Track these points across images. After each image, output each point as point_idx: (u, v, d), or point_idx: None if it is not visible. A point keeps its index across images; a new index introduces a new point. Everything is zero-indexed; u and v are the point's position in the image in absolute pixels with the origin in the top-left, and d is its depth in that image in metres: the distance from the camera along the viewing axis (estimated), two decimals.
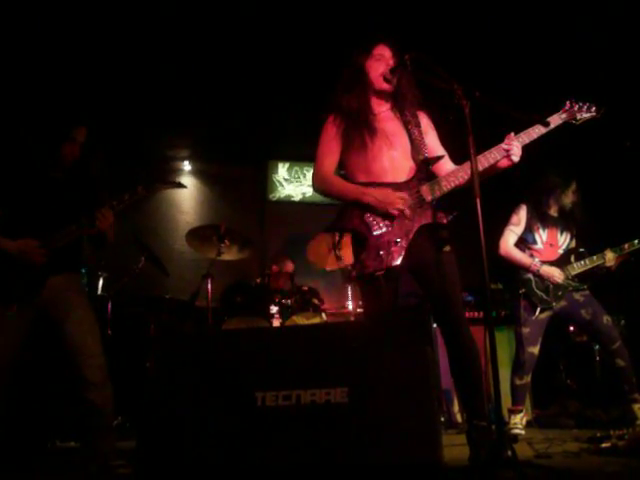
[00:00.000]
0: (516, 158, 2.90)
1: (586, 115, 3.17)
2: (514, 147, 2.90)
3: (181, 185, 3.66)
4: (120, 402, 3.31)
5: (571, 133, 3.21)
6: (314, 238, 5.74)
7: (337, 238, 2.93)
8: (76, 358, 3.21)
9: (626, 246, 4.34)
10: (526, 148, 2.96)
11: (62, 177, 3.40)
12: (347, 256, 4.61)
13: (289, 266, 6.23)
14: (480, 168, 2.85)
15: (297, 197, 8.28)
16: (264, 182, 8.21)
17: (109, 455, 3.16)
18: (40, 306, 3.22)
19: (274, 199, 8.22)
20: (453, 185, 2.90)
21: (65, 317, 3.24)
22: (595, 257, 4.33)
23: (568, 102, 3.17)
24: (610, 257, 4.30)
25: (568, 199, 4.40)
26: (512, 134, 2.94)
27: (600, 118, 3.18)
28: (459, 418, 5.11)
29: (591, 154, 6.02)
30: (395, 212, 2.83)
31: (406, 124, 3.09)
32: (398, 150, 3.02)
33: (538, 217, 4.43)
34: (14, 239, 3.17)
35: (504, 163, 2.93)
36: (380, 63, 3.06)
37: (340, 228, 2.97)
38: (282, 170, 8.26)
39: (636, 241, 4.32)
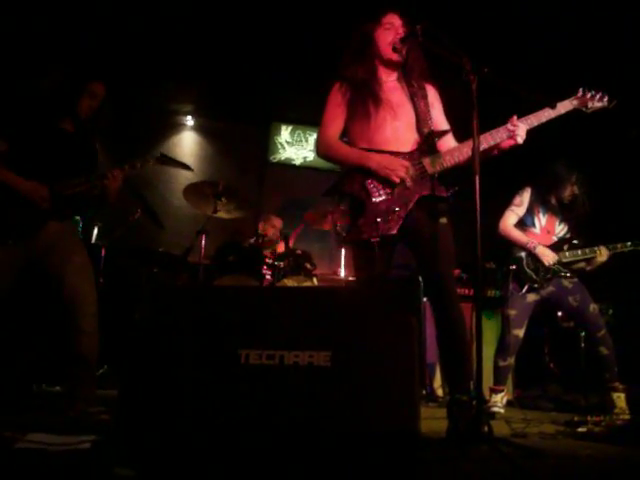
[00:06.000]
0: (520, 139, 2.90)
1: (597, 104, 3.16)
2: (519, 128, 2.89)
3: (188, 167, 3.81)
4: (107, 351, 3.31)
5: (579, 123, 3.19)
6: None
7: (335, 201, 2.92)
8: (73, 305, 3.22)
9: (619, 246, 4.39)
10: (534, 134, 2.95)
11: (74, 131, 3.42)
12: (343, 220, 4.62)
13: (276, 222, 6.11)
14: (485, 145, 2.86)
15: (298, 161, 8.22)
16: (266, 143, 8.15)
17: (88, 401, 3.19)
18: (38, 251, 3.22)
19: (274, 161, 8.16)
20: (456, 161, 2.89)
21: (65, 264, 3.26)
22: (588, 250, 4.37)
23: (581, 89, 3.15)
24: (603, 252, 4.35)
25: (567, 192, 4.42)
26: (515, 116, 2.92)
27: (610, 109, 3.17)
28: (440, 392, 5.19)
29: (597, 145, 5.98)
30: (396, 179, 2.84)
31: (412, 96, 3.07)
32: (402, 121, 3.01)
33: (541, 202, 4.47)
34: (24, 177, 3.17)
35: (508, 143, 2.92)
36: (389, 32, 3.03)
37: (340, 192, 2.98)
38: (285, 132, 8.19)
39: (629, 243, 4.38)
